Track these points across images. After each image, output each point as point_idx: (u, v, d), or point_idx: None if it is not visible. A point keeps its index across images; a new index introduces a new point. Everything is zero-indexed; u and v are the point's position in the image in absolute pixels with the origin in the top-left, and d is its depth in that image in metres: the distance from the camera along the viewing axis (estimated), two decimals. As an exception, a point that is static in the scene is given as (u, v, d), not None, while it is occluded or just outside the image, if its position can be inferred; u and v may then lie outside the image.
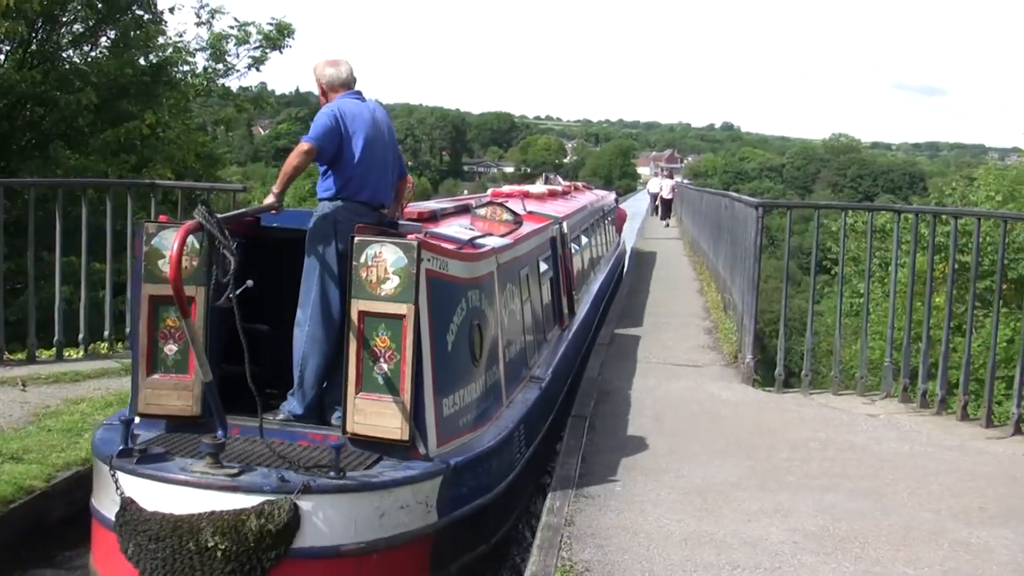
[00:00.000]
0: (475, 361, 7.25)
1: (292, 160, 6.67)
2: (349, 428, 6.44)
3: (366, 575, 6.14)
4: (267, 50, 23.43)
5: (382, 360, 6.40)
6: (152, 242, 6.67)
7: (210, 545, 5.74)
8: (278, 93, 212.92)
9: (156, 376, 6.75)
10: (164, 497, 5.92)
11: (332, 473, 6.00)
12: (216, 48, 22.84)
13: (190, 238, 6.25)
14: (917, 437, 9.02)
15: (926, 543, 6.40)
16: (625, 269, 24.65)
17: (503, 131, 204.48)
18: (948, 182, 30.34)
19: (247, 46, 23.29)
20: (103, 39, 19.85)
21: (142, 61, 20.09)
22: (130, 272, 8.90)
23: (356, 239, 6.43)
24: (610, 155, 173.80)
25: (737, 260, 13.73)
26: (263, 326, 6.88)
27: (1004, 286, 18.48)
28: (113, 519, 6.07)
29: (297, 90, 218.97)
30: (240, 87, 24.77)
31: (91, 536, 6.53)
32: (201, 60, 22.58)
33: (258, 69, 23.61)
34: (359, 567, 6.09)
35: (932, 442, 8.87)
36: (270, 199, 6.80)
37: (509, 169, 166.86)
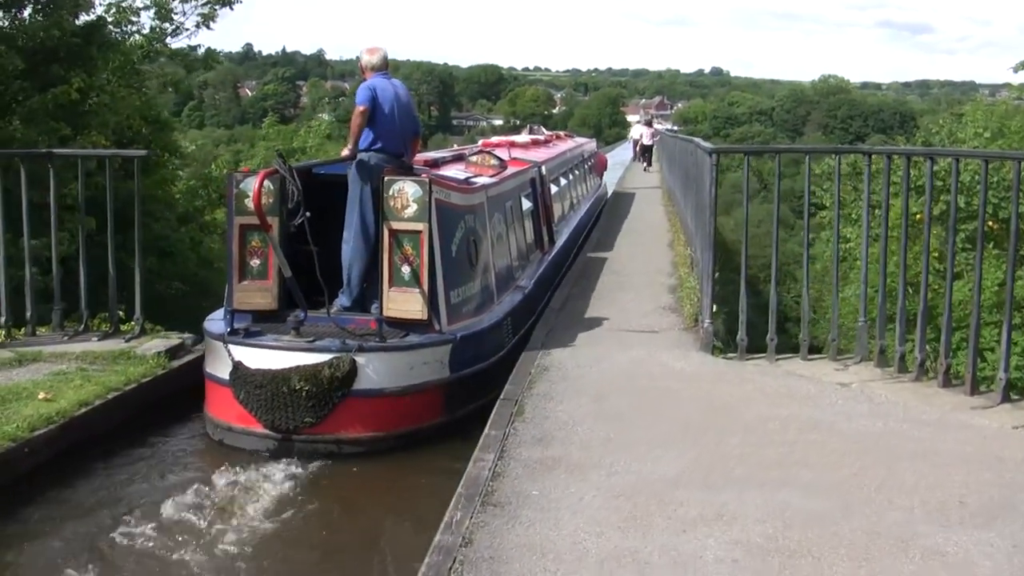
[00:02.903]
0: (472, 267, 9.89)
1: (355, 121, 9.31)
2: (384, 312, 8.89)
3: (401, 409, 8.74)
4: (216, 6, 22.18)
5: (406, 263, 8.85)
6: (240, 186, 9.07)
7: (297, 387, 8.30)
8: (264, 54, 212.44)
9: (245, 282, 9.18)
10: (264, 358, 8.53)
11: (377, 339, 8.65)
12: (161, 6, 21.58)
13: (266, 182, 8.75)
14: (892, 411, 7.92)
15: (893, 555, 5.32)
16: (605, 207, 26.47)
17: (491, 84, 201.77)
18: (936, 120, 29.04)
19: (194, 2, 22.07)
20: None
21: (78, 22, 18.82)
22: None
23: (386, 178, 8.95)
24: (598, 104, 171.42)
25: (699, 212, 12.58)
26: (315, 247, 8.74)
27: (994, 225, 17.45)
28: (227, 377, 8.64)
29: (283, 50, 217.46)
30: (188, 46, 23.53)
31: (206, 393, 9.13)
32: (147, 20, 21.37)
33: (208, 27, 22.31)
34: (396, 403, 8.70)
35: (908, 416, 7.78)
36: (346, 152, 9.46)
37: (498, 122, 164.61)
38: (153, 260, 17.67)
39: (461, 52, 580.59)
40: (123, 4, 20.50)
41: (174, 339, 10.49)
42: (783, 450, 6.98)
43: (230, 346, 8.66)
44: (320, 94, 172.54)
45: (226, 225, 9.60)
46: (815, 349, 9.99)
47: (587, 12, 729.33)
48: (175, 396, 9.57)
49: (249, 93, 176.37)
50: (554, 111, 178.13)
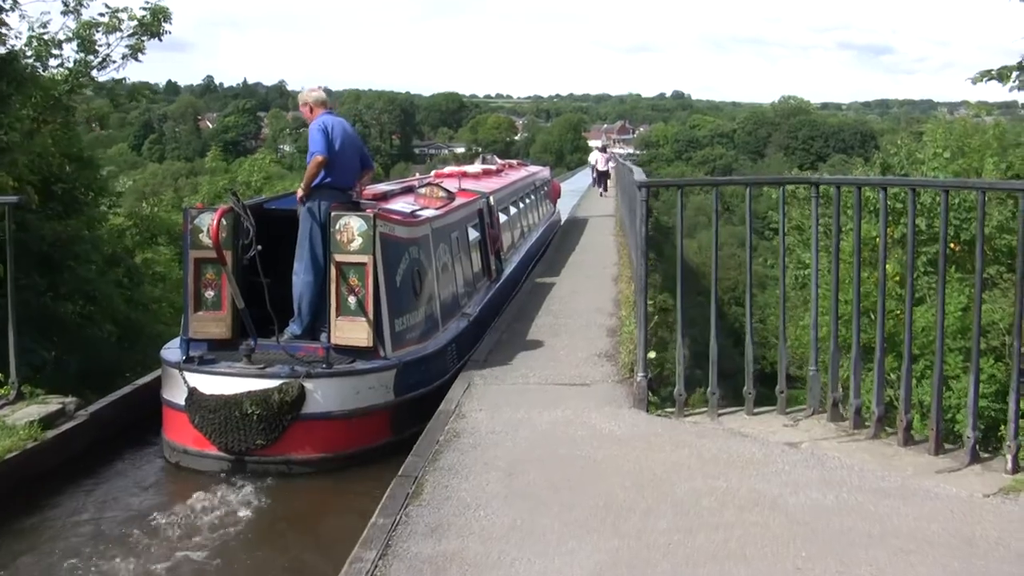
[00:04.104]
0: (417, 296, 10.32)
1: (312, 170, 9.73)
2: (332, 340, 9.37)
3: (349, 431, 9.13)
4: (143, 38, 21.12)
5: (352, 294, 9.31)
6: (195, 221, 9.58)
7: (249, 412, 8.76)
8: (226, 86, 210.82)
9: (200, 312, 9.66)
10: (218, 384, 8.98)
11: (325, 365, 9.10)
12: (83, 38, 20.49)
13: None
14: (846, 478, 6.90)
15: None
16: (557, 234, 26.74)
17: (452, 112, 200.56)
18: (894, 140, 28.18)
19: (119, 34, 21.00)
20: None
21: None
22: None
23: (333, 213, 9.47)
24: (560, 130, 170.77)
25: (637, 248, 11.55)
26: (267, 279, 9.20)
27: (955, 247, 16.60)
28: (182, 402, 9.09)
29: (244, 82, 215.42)
30: (112, 79, 22.44)
31: (163, 418, 9.47)
32: (70, 52, 20.29)
33: (136, 59, 21.30)
34: (344, 426, 9.10)
35: (865, 484, 6.76)
36: (300, 194, 9.83)
37: (460, 150, 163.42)
38: (80, 304, 16.64)
39: (422, 80, 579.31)
40: (44, 36, 19.48)
41: (53, 405, 9.40)
42: (718, 536, 5.95)
43: (185, 373, 9.14)
44: (281, 125, 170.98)
45: (180, 260, 10.23)
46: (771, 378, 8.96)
47: (551, 39, 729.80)
48: (50, 471, 8.53)
49: (210, 125, 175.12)
50: (516, 138, 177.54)
